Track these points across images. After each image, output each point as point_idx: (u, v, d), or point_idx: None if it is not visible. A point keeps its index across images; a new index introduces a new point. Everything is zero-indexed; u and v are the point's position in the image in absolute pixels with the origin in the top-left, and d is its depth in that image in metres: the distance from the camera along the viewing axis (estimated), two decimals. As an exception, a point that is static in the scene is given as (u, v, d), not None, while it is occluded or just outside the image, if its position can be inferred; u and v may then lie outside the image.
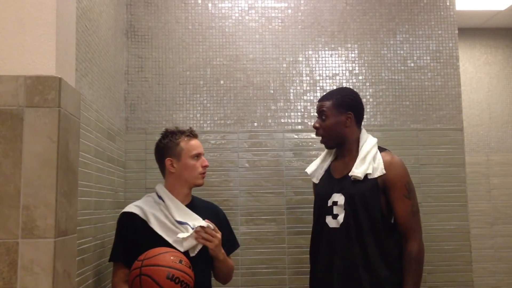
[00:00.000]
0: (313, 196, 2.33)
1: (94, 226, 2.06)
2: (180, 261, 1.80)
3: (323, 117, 2.19)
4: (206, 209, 2.21)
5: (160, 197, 2.11)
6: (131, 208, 2.08)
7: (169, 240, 2.00)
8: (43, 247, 1.35)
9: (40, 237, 1.35)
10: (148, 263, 1.79)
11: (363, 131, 2.22)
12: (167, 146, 2.11)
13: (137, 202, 2.13)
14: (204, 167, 2.12)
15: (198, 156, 2.12)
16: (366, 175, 2.07)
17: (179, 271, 1.77)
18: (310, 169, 2.34)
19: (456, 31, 2.97)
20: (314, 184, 2.32)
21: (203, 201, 2.28)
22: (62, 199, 1.42)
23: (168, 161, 2.11)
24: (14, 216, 1.35)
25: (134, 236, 2.02)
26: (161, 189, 2.13)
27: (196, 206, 2.17)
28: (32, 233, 1.35)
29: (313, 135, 2.78)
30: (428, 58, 2.94)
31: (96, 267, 2.07)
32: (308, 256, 2.31)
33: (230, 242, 2.23)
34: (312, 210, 2.30)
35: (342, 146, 2.21)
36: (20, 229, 1.35)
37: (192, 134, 2.14)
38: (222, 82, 2.85)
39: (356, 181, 2.09)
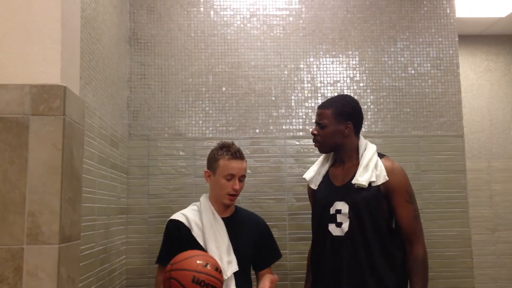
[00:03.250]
0: (314, 203, 2.34)
1: (97, 232, 2.07)
2: (206, 265, 1.88)
3: (322, 125, 2.19)
4: (247, 222, 2.28)
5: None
6: (177, 216, 2.23)
7: (211, 250, 2.09)
8: (48, 253, 1.37)
9: (45, 243, 1.37)
10: (176, 267, 1.89)
11: (361, 138, 2.24)
12: (210, 159, 2.23)
13: (183, 211, 2.26)
14: (234, 189, 2.15)
15: (232, 177, 2.15)
16: (369, 183, 2.08)
17: (205, 274, 1.85)
18: (308, 175, 2.34)
19: (457, 38, 2.99)
20: (312, 190, 2.31)
21: (247, 214, 2.34)
22: (67, 205, 1.44)
23: (206, 173, 2.25)
24: (19, 222, 1.37)
25: (179, 242, 2.15)
26: (203, 199, 2.26)
27: (237, 218, 2.26)
28: (37, 239, 1.37)
29: (314, 141, 2.80)
30: (429, 65, 2.96)
31: (99, 272, 2.09)
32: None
33: (271, 254, 2.31)
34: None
35: (338, 152, 2.23)
36: (25, 235, 1.37)
37: (234, 155, 2.16)
38: (224, 89, 2.87)
39: (359, 188, 2.10)
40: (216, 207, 2.21)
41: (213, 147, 2.25)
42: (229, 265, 2.06)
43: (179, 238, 2.16)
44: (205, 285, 1.83)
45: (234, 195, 2.16)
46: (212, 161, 2.19)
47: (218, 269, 1.90)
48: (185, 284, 1.83)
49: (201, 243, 2.12)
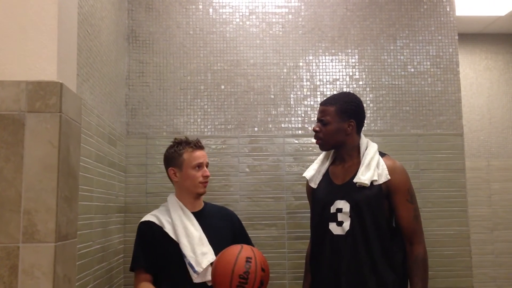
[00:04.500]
0: (313, 201, 2.33)
1: (94, 231, 2.06)
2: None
3: (325, 122, 2.17)
4: (219, 215, 2.31)
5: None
6: (147, 217, 2.24)
7: (182, 243, 2.12)
8: (44, 251, 1.36)
9: (41, 242, 1.36)
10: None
11: (362, 136, 2.22)
12: (171, 156, 2.25)
13: (153, 211, 2.28)
14: (205, 177, 2.22)
15: (199, 166, 2.21)
16: (371, 182, 2.07)
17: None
18: (308, 173, 2.32)
19: (456, 37, 2.98)
20: (311, 188, 2.29)
21: (217, 207, 2.38)
22: (63, 203, 1.43)
23: (170, 171, 2.25)
24: (15, 221, 1.36)
25: (152, 242, 2.17)
26: (170, 198, 2.28)
27: (207, 212, 2.28)
28: (33, 238, 1.36)
29: (313, 140, 2.78)
30: (428, 63, 2.95)
31: (96, 271, 2.08)
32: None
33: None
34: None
35: (339, 150, 2.21)
36: (21, 233, 1.36)
37: (196, 146, 2.24)
38: (222, 87, 2.86)
39: (361, 187, 2.08)
40: (185, 202, 2.23)
41: (169, 147, 2.29)
42: (204, 256, 2.08)
43: (152, 238, 2.17)
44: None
45: (206, 182, 2.23)
46: (175, 157, 2.23)
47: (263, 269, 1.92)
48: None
49: (174, 237, 2.14)
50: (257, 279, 1.86)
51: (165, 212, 2.23)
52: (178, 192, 2.27)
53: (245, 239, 2.33)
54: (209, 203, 2.36)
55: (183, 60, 2.86)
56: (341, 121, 2.15)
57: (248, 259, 1.88)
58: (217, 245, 2.14)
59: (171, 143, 2.28)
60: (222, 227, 2.25)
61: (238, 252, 1.92)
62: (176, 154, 2.23)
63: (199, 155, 2.22)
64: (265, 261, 1.96)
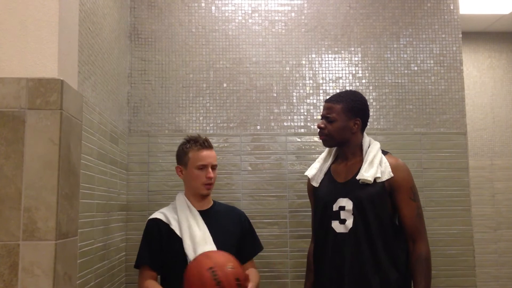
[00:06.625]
0: (315, 200, 2.32)
1: (95, 229, 2.06)
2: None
3: (331, 120, 2.15)
4: (227, 214, 2.29)
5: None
6: (155, 214, 2.24)
7: (185, 243, 2.11)
8: (44, 249, 1.35)
9: (41, 239, 1.36)
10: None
11: (365, 135, 2.21)
12: (179, 154, 2.25)
13: (162, 209, 2.28)
14: (208, 178, 2.18)
15: (204, 167, 2.18)
16: (374, 179, 2.06)
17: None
18: (310, 172, 2.31)
19: (460, 35, 2.96)
20: (312, 187, 2.28)
21: (225, 206, 2.36)
22: (64, 201, 1.42)
23: (177, 168, 2.26)
24: (15, 218, 1.36)
25: (159, 239, 2.16)
26: (178, 196, 2.28)
27: (215, 211, 2.27)
28: (33, 235, 1.35)
29: (316, 138, 2.77)
30: (432, 61, 2.93)
31: (97, 269, 2.07)
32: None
33: (253, 246, 2.32)
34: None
35: (342, 147, 2.20)
36: (21, 231, 1.36)
37: (203, 145, 2.20)
38: (225, 85, 2.85)
39: (364, 185, 2.07)
40: (192, 201, 2.23)
41: (180, 143, 2.27)
42: None
43: (159, 235, 2.16)
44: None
45: (209, 184, 2.19)
46: (182, 155, 2.22)
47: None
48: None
49: (179, 235, 2.14)
50: (230, 279, 1.82)
51: (172, 210, 2.23)
52: (185, 190, 2.27)
53: (253, 239, 2.32)
54: (218, 202, 2.35)
55: (185, 58, 2.85)
56: (347, 119, 2.14)
57: (210, 269, 1.81)
58: (223, 245, 2.13)
59: (184, 140, 2.26)
60: (229, 226, 2.24)
61: (198, 270, 1.84)
62: (182, 152, 2.22)
63: (204, 156, 2.18)
64: (224, 260, 1.87)
